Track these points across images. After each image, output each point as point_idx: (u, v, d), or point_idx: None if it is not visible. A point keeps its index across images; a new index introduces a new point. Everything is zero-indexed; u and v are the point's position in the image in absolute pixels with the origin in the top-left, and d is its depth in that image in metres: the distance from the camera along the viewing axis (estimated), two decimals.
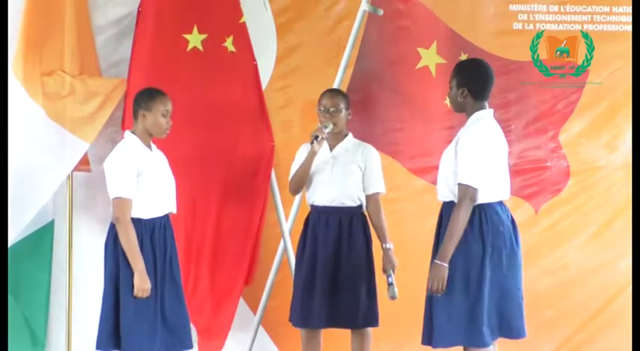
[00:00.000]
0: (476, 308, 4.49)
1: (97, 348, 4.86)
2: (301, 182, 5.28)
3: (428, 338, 4.64)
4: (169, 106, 4.92)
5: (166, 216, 4.94)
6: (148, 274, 4.78)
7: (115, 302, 4.81)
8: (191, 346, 4.99)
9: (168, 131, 4.93)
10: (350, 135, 5.37)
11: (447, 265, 4.45)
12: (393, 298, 5.17)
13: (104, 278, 4.86)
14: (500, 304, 4.57)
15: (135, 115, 4.91)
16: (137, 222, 4.82)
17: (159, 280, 4.84)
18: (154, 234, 4.85)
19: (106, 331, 4.82)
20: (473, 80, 4.64)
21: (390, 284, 5.18)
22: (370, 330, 5.28)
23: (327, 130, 5.19)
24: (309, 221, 5.32)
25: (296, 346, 5.50)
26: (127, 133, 4.93)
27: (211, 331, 5.72)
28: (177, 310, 4.90)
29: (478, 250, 4.50)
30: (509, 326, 4.61)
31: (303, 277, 5.25)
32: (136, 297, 4.74)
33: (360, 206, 5.29)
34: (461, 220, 4.46)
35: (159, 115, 4.88)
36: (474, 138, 4.54)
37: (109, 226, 4.86)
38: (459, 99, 4.65)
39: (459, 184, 4.49)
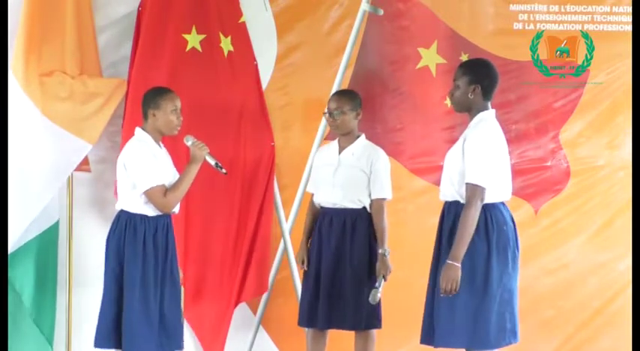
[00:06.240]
0: (482, 309, 4.47)
1: (95, 346, 4.88)
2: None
3: (427, 337, 4.63)
4: (178, 103, 4.93)
5: (169, 216, 4.94)
6: (149, 273, 4.80)
7: (115, 300, 4.82)
8: (182, 347, 4.99)
9: (179, 128, 4.94)
10: (362, 137, 5.35)
11: (459, 265, 4.41)
12: (372, 302, 5.08)
13: (104, 275, 4.88)
14: (512, 306, 4.55)
15: (145, 115, 4.92)
16: (143, 218, 4.83)
17: (159, 281, 4.84)
18: (157, 233, 4.86)
19: (106, 329, 4.83)
20: (485, 78, 4.61)
21: (374, 288, 5.09)
22: (374, 332, 5.27)
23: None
24: (319, 221, 5.34)
25: (296, 346, 5.50)
26: (138, 130, 4.93)
27: (211, 335, 5.70)
28: (174, 311, 4.92)
29: (483, 249, 4.49)
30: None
31: (312, 277, 5.27)
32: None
33: (365, 208, 5.27)
34: (472, 220, 4.43)
35: (168, 113, 4.89)
36: (482, 138, 4.52)
37: (113, 218, 4.90)
38: (469, 96, 4.60)
39: (467, 184, 4.47)
